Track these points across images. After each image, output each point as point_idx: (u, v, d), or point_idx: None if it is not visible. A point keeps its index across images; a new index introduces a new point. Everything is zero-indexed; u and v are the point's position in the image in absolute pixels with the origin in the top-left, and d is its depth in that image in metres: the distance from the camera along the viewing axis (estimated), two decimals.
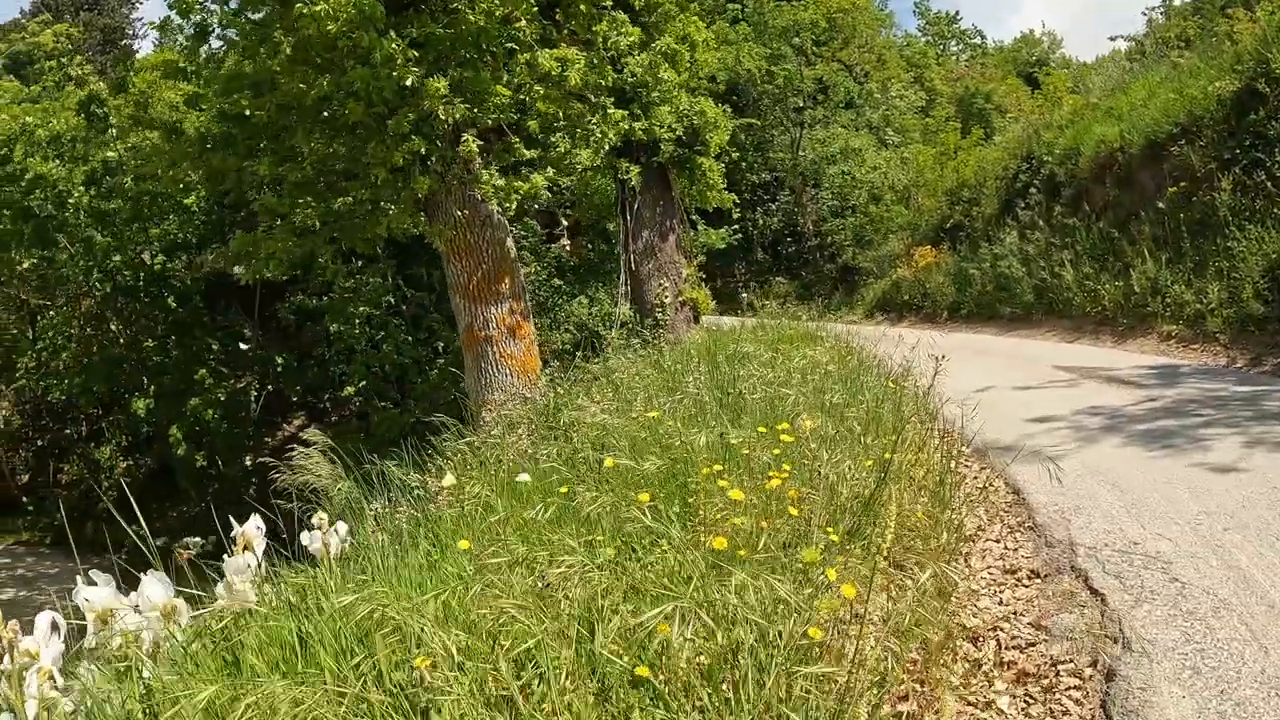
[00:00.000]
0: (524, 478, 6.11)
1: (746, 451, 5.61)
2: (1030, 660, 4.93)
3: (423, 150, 12.26)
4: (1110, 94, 25.02)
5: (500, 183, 12.75)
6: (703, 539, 4.30)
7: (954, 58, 55.44)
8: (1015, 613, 5.52)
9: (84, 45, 40.93)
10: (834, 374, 9.55)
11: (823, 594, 3.89)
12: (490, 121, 12.94)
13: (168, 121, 13.82)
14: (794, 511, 4.41)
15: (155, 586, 4.50)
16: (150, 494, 35.15)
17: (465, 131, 12.47)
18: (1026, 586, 5.87)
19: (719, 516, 4.41)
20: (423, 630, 3.52)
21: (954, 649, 5.01)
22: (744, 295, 23.86)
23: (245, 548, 4.95)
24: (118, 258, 30.14)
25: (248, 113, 13.08)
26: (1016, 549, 6.48)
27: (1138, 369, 13.35)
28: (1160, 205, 18.09)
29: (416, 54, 11.78)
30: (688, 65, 18.99)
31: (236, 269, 14.58)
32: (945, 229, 30.15)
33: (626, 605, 3.70)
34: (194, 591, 4.89)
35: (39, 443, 38.79)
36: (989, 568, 6.22)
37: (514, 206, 13.25)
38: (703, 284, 22.66)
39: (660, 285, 21.53)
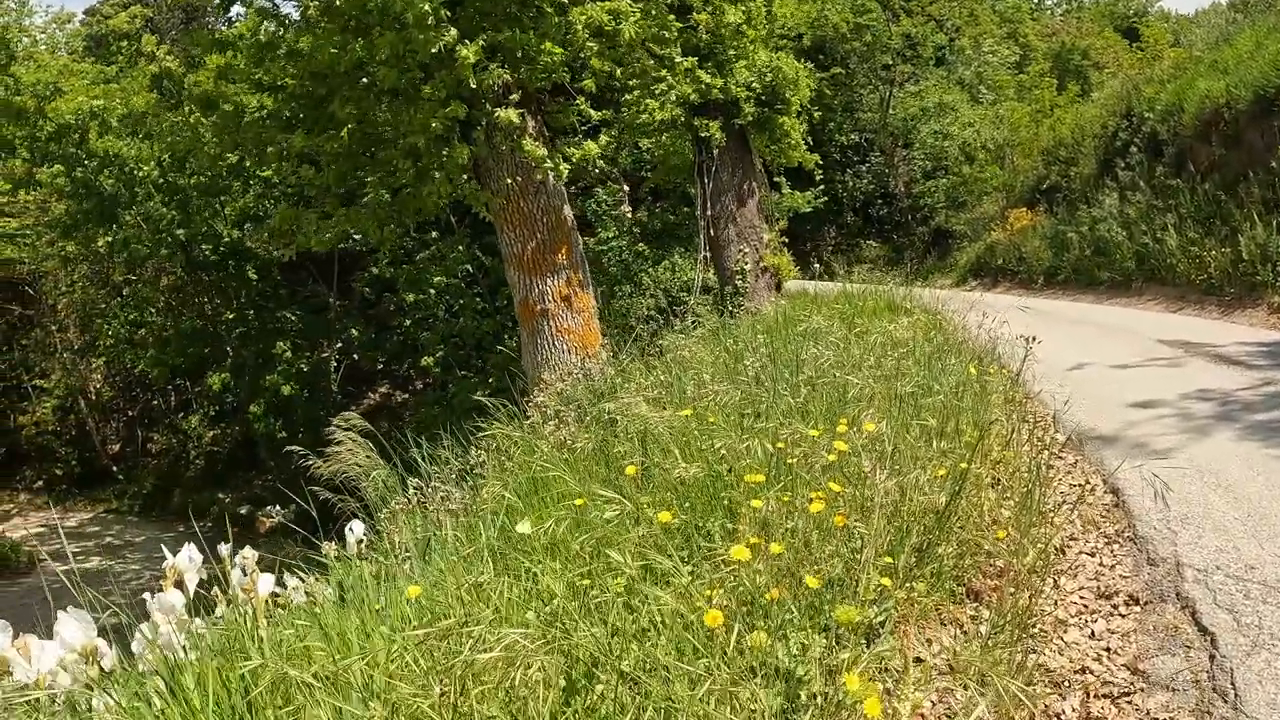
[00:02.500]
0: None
1: (793, 460, 4.83)
2: (1123, 716, 4.11)
3: (463, 116, 11.52)
4: (1214, 46, 23.52)
5: (542, 152, 12.00)
6: (716, 586, 3.57)
7: (1049, 12, 53.42)
8: (1109, 650, 4.68)
9: (166, 24, 41.00)
10: (914, 353, 8.64)
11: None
12: (540, 83, 12.19)
13: (204, 96, 13.19)
14: (813, 582, 3.57)
15: (73, 626, 3.86)
16: (236, 462, 35.43)
17: (512, 93, 11.69)
18: (1123, 616, 5.01)
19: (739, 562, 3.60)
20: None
21: (1032, 701, 4.20)
22: (815, 265, 22.82)
23: (176, 583, 4.27)
24: (181, 231, 30.15)
25: (279, 82, 12.45)
26: (1114, 566, 5.61)
27: (1248, 346, 12.20)
28: (1271, 165, 16.76)
29: (451, 13, 11.04)
30: (764, 20, 18.01)
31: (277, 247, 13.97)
32: (1041, 190, 28.98)
33: None
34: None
35: (129, 413, 39.37)
36: (1080, 589, 5.36)
37: (566, 174, 12.47)
38: (784, 249, 21.76)
39: (740, 251, 20.71)
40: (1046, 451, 6.98)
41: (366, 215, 12.84)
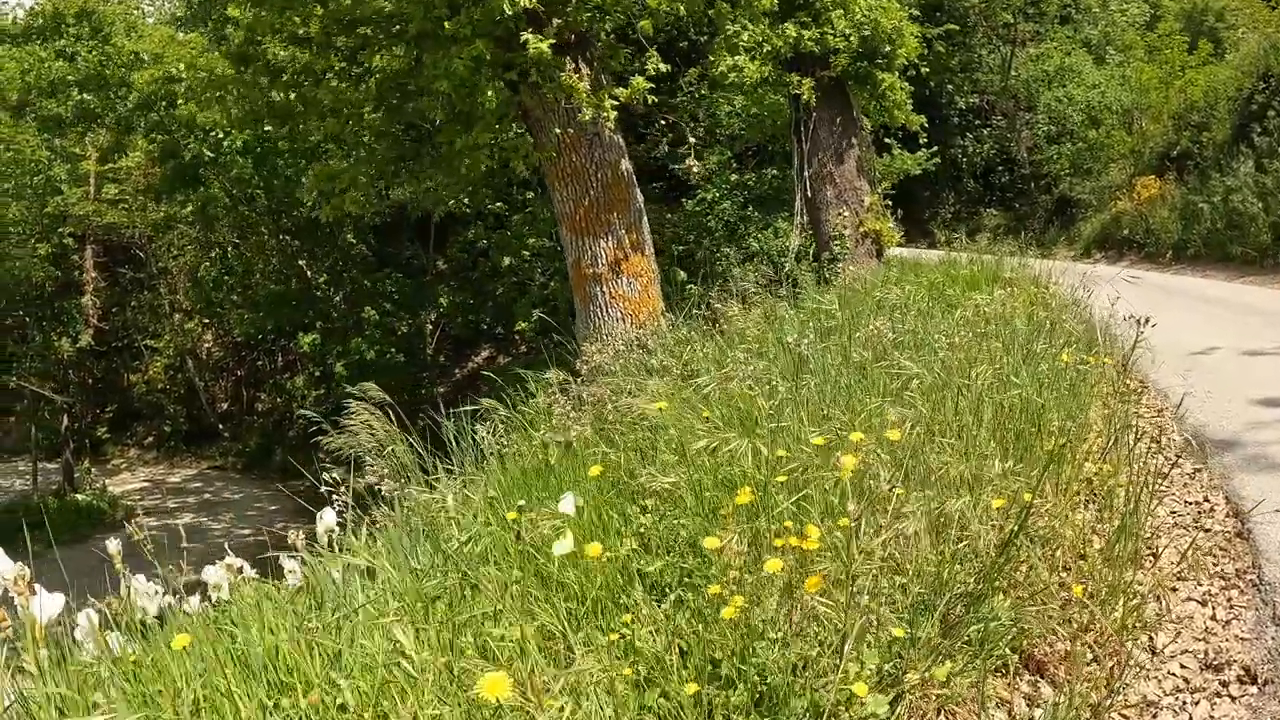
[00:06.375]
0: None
1: (783, 477, 3.63)
2: None
3: (488, 54, 10.37)
4: None
5: (584, 86, 10.77)
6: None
7: None
8: None
9: None
10: (1000, 333, 7.25)
11: None
12: (585, 22, 11.01)
13: (240, 52, 12.30)
14: None
15: None
16: (337, 423, 35.26)
17: (543, 30, 10.50)
18: (1234, 699, 3.68)
19: None
20: None
21: None
22: (894, 222, 21.14)
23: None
24: (262, 192, 30.08)
25: (300, 33, 11.49)
26: (1229, 622, 4.25)
27: None
28: None
29: None
30: None
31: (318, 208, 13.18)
32: (1171, 157, 27.21)
33: None
34: None
35: (237, 373, 39.96)
36: (1182, 654, 4.02)
37: (612, 116, 11.22)
38: (888, 213, 20.22)
39: (839, 214, 19.26)
40: (1161, 457, 5.67)
41: (409, 174, 11.90)
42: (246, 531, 23.31)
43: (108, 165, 32.59)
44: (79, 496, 30.01)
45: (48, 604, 3.53)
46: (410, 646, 2.78)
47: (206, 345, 40.73)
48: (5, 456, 37.26)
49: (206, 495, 32.72)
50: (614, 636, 2.99)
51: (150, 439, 40.11)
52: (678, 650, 3.06)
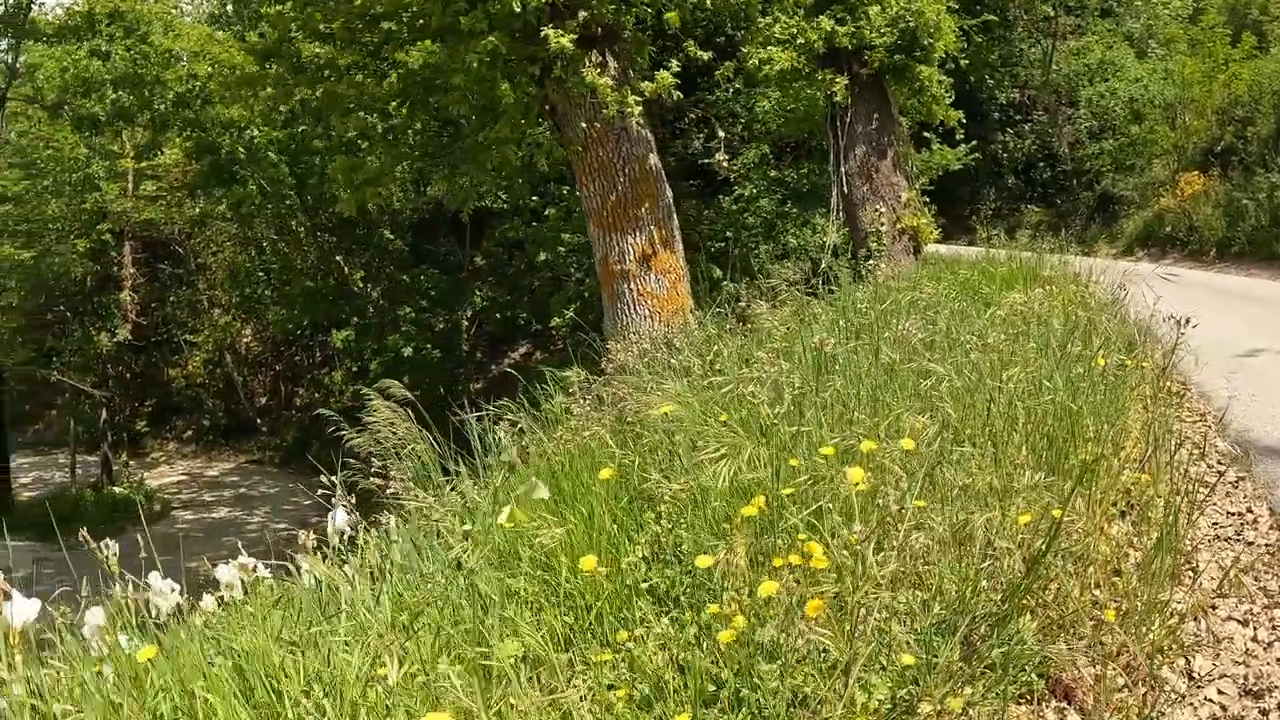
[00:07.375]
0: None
1: (790, 489, 3.42)
2: None
3: (504, 50, 10.22)
4: None
5: (605, 81, 10.60)
6: None
7: None
8: None
9: None
10: (1033, 332, 7.00)
11: None
12: (610, 15, 10.82)
13: (266, 46, 12.21)
14: None
15: None
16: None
17: (565, 23, 10.32)
18: None
19: None
20: None
21: None
22: (932, 218, 20.71)
23: None
24: (294, 191, 30.18)
25: (323, 28, 11.39)
26: (1270, 643, 4.01)
27: None
28: None
29: None
30: None
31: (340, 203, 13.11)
32: (1215, 153, 26.76)
33: None
34: None
35: (275, 368, 40.16)
36: (1220, 678, 3.79)
37: (638, 111, 11.03)
38: (926, 209, 19.91)
39: (875, 210, 18.98)
40: (1203, 465, 5.42)
41: (442, 169, 11.76)
42: (281, 526, 23.36)
43: (145, 162, 32.83)
44: (116, 489, 30.33)
45: (20, 609, 3.40)
46: (392, 674, 2.61)
47: (245, 340, 40.98)
48: (45, 449, 37.69)
49: (243, 489, 32.96)
50: (607, 656, 2.81)
51: (189, 433, 40.43)
52: (677, 669, 2.88)
